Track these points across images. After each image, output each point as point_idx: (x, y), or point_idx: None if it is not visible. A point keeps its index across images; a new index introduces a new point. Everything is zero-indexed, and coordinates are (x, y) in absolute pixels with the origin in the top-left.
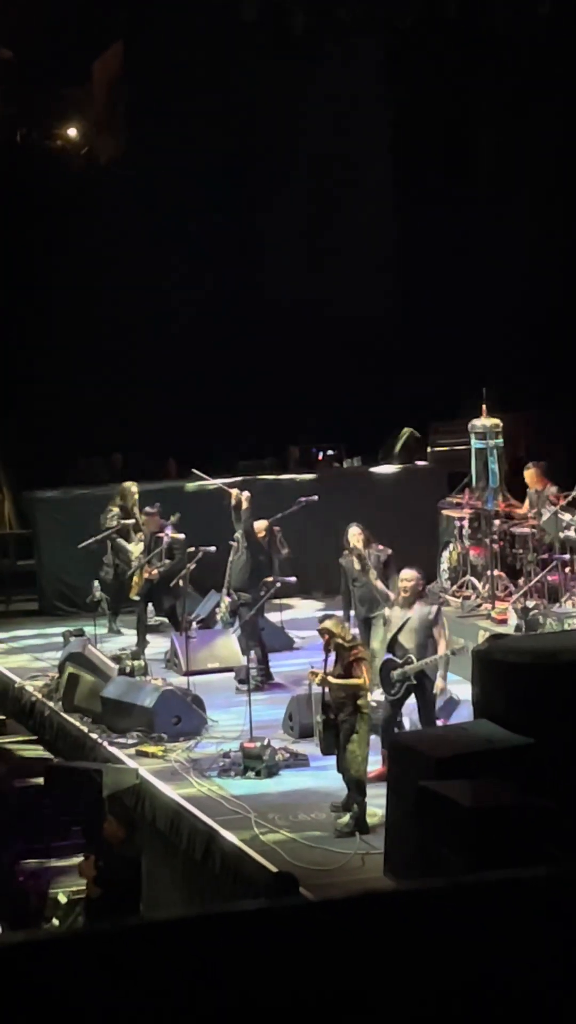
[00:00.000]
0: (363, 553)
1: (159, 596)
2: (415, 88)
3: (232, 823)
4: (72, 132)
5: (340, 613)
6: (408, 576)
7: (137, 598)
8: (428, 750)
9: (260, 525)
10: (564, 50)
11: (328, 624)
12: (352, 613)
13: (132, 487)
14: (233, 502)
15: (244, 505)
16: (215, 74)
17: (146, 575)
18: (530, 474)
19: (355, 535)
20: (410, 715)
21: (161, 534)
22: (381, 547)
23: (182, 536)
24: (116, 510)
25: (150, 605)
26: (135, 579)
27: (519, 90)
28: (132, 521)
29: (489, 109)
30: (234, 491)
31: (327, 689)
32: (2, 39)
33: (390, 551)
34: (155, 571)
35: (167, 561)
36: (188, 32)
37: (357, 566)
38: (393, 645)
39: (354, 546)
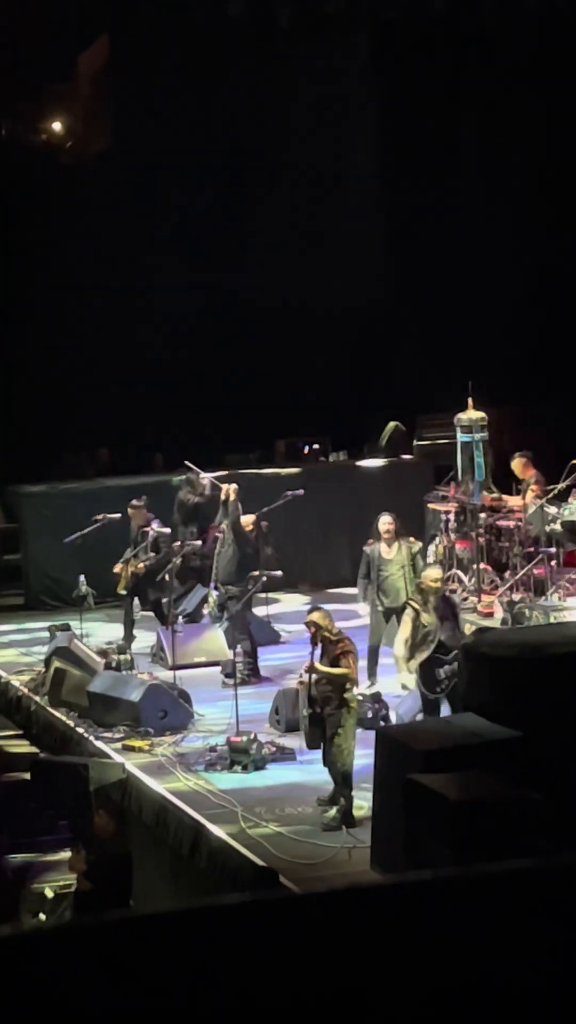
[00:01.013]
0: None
1: (144, 590)
2: (403, 82)
3: (219, 817)
4: (57, 127)
5: (328, 606)
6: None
7: (123, 592)
8: (415, 743)
9: (247, 519)
10: (553, 43)
11: (315, 616)
12: (367, 602)
13: (202, 475)
14: (223, 496)
15: (231, 497)
16: (201, 69)
17: (132, 569)
18: (516, 463)
19: (387, 523)
20: (397, 710)
21: (147, 528)
22: (412, 539)
23: (168, 530)
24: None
25: (136, 599)
26: (122, 574)
27: (508, 84)
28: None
29: (478, 104)
30: (224, 485)
31: (313, 682)
32: None
33: (420, 544)
34: (141, 565)
35: (152, 555)
36: (174, 27)
37: (387, 555)
38: (430, 644)
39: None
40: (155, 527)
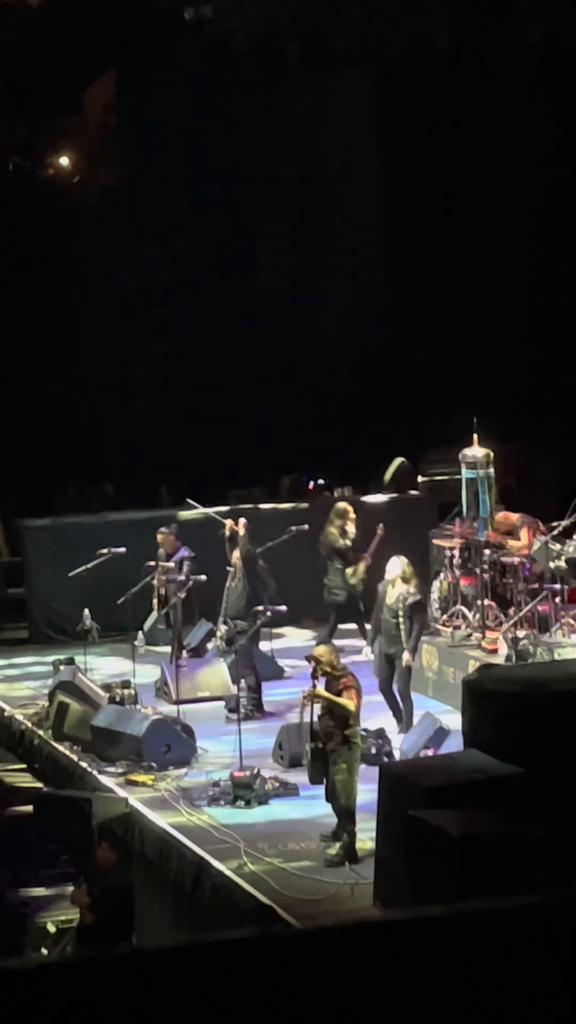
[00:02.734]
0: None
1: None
2: (405, 117)
3: (221, 852)
4: (64, 161)
5: (338, 642)
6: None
7: (162, 627)
8: (418, 779)
9: (235, 556)
10: (555, 80)
11: (319, 650)
12: (374, 643)
13: (348, 506)
14: (227, 532)
15: (241, 532)
16: (207, 103)
17: (154, 582)
18: (499, 518)
19: (390, 568)
20: (400, 745)
21: (177, 555)
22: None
23: (172, 565)
24: (336, 530)
25: (141, 635)
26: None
27: (509, 119)
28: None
29: (479, 138)
30: (228, 521)
31: (316, 718)
32: None
33: (419, 597)
34: (163, 577)
35: (181, 579)
36: (180, 62)
37: (388, 599)
38: None
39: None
40: (183, 554)
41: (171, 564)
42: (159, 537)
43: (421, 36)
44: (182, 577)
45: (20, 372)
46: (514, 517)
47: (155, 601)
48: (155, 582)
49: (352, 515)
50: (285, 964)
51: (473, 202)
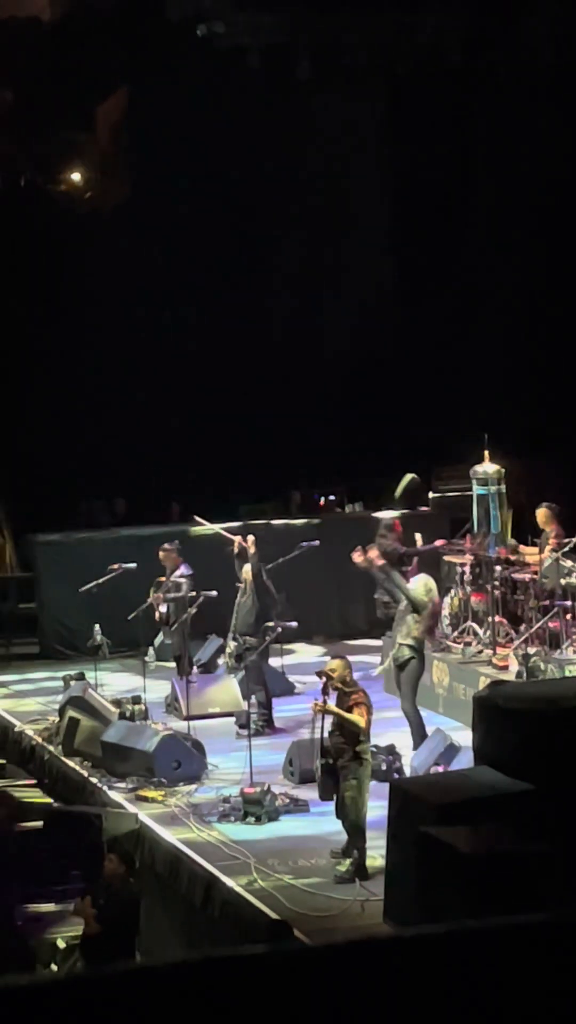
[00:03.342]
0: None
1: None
2: (417, 133)
3: (231, 868)
4: (75, 177)
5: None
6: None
7: (168, 642)
8: (428, 796)
9: (246, 570)
10: (567, 96)
11: (332, 665)
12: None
13: (395, 521)
14: (236, 549)
15: (251, 549)
16: (219, 120)
17: (150, 599)
18: (541, 513)
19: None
20: (411, 762)
21: (178, 572)
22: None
23: (191, 573)
24: (391, 542)
25: (152, 651)
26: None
27: (521, 136)
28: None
29: (491, 154)
30: (236, 538)
31: (327, 734)
32: (5, 81)
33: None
34: (159, 595)
35: (180, 595)
36: (193, 78)
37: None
38: None
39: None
40: (183, 570)
41: (170, 581)
42: (160, 554)
43: (432, 52)
44: (179, 594)
45: (30, 386)
46: (554, 525)
47: (156, 617)
48: (152, 601)
49: (399, 529)
50: (295, 981)
51: (483, 216)
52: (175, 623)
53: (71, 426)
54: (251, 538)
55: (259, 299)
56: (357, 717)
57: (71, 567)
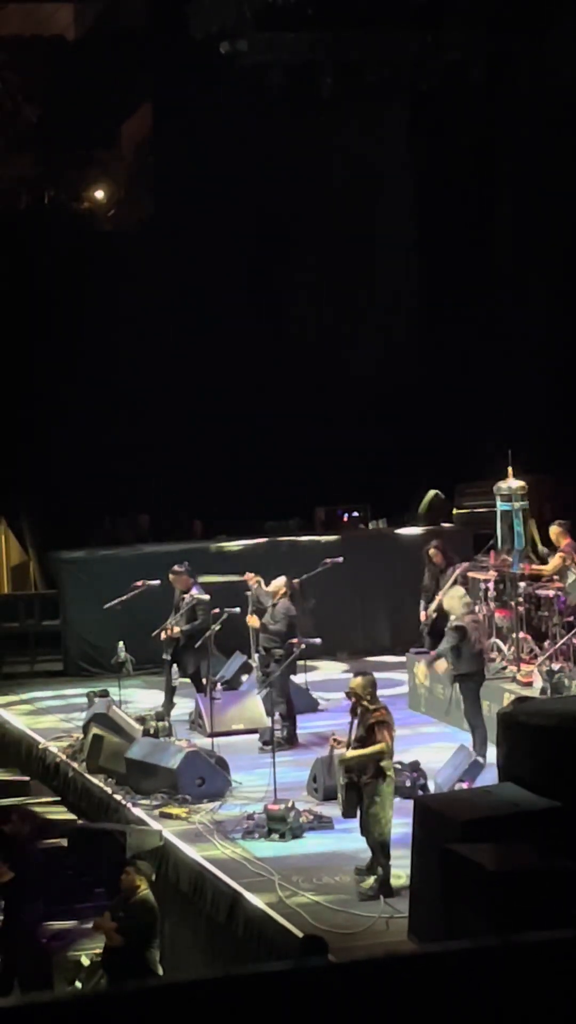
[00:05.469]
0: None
1: (183, 657)
2: (440, 151)
3: (256, 886)
4: (99, 194)
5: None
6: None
7: (166, 658)
8: (453, 813)
9: (280, 582)
10: None
11: (353, 683)
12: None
13: (432, 550)
14: (252, 584)
15: (253, 583)
16: (242, 137)
17: (167, 634)
18: (554, 531)
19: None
20: (436, 779)
21: (188, 594)
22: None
23: (207, 597)
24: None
25: (175, 666)
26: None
27: (544, 154)
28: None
29: (514, 172)
30: (247, 575)
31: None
32: (29, 99)
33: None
34: (177, 629)
35: (188, 621)
36: (216, 95)
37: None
38: None
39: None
40: (195, 593)
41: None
42: (171, 576)
43: (454, 69)
44: (197, 622)
45: (54, 404)
46: (567, 540)
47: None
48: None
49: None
50: (319, 997)
51: (508, 236)
52: (197, 641)
53: (95, 444)
54: (250, 575)
55: (284, 316)
56: (377, 746)
57: (95, 584)
